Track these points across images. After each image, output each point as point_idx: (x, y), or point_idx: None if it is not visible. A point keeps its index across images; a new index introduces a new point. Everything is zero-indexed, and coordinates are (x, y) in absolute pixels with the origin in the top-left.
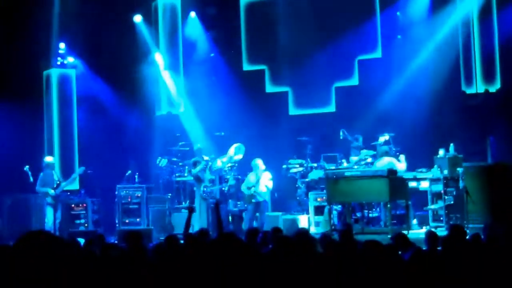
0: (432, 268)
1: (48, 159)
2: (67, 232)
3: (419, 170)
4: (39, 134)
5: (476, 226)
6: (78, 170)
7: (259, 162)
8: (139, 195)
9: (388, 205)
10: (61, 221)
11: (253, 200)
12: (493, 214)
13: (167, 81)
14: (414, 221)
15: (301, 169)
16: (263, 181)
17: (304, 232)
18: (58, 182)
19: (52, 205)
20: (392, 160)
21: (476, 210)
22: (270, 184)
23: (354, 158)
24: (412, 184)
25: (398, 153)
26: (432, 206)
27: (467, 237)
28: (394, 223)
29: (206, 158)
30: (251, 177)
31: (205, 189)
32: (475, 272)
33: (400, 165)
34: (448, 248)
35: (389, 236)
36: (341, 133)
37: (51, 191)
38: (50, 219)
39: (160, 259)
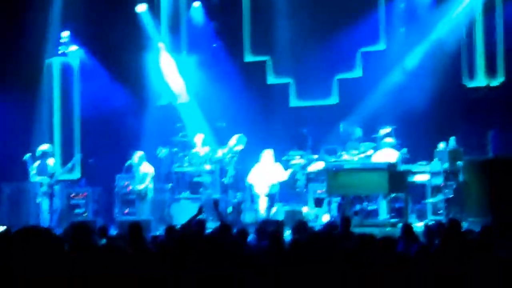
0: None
1: (44, 147)
2: (67, 222)
3: (420, 163)
4: (40, 123)
5: (475, 220)
6: (74, 158)
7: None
8: None
9: (387, 198)
10: (61, 210)
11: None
12: (492, 208)
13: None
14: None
15: (303, 160)
16: None
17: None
18: (53, 172)
19: (48, 194)
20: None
21: (475, 203)
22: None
23: (354, 152)
24: (417, 178)
25: (399, 146)
26: (432, 200)
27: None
28: (393, 215)
29: (206, 148)
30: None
31: None
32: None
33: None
34: (447, 242)
35: (387, 229)
36: (341, 126)
37: (46, 180)
38: (45, 209)
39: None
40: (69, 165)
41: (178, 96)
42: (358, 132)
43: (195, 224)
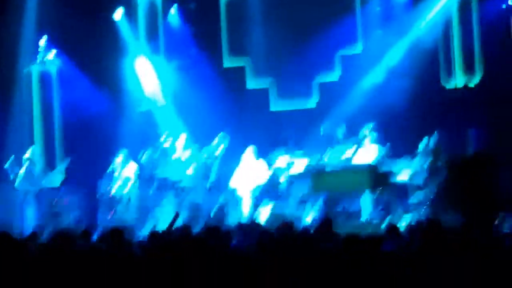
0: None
1: (29, 153)
2: (51, 228)
3: (403, 159)
4: (20, 129)
5: (457, 217)
6: (62, 164)
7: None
8: None
9: (372, 196)
10: (44, 217)
11: None
12: (473, 205)
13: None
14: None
15: (287, 158)
16: None
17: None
18: (39, 178)
19: (33, 200)
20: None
21: (458, 200)
22: None
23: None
24: (400, 175)
25: (381, 143)
26: (415, 197)
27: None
28: (377, 214)
29: (188, 151)
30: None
31: None
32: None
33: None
34: (428, 239)
35: (372, 228)
36: (321, 129)
37: (32, 186)
38: (30, 215)
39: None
40: (56, 170)
41: (156, 101)
42: (342, 130)
43: (180, 229)
